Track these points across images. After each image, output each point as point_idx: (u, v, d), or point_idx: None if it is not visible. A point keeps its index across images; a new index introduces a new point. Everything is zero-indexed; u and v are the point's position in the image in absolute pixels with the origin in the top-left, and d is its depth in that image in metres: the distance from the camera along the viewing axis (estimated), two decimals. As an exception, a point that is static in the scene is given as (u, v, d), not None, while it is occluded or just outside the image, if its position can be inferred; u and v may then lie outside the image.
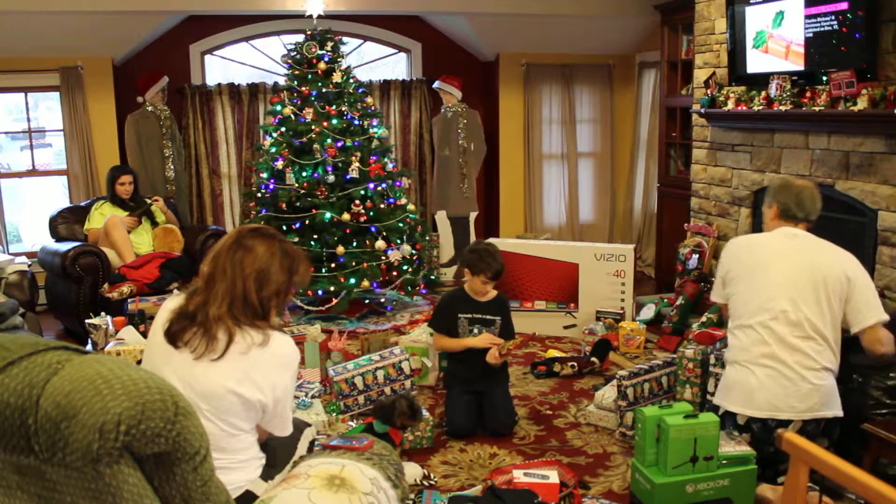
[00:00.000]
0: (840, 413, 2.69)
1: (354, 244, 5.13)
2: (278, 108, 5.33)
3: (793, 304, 2.65)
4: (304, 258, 2.15)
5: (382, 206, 5.26)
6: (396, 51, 6.98)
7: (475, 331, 3.51)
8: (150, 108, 6.01)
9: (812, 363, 2.63)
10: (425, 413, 3.37)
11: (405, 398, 3.05)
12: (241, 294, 1.99)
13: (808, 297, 2.66)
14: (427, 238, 5.76)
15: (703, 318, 4.44)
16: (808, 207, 2.85)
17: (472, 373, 3.48)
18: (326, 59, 5.25)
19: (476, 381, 3.48)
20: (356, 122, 5.29)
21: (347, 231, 5.11)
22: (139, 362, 2.15)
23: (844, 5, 3.84)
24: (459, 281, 6.41)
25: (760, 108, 4.47)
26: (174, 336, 1.98)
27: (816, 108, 4.03)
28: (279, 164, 5.15)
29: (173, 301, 2.07)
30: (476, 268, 3.44)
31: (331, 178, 5.08)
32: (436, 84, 6.51)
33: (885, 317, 2.66)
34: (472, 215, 6.64)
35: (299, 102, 5.24)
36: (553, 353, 4.37)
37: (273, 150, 5.24)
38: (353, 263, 5.06)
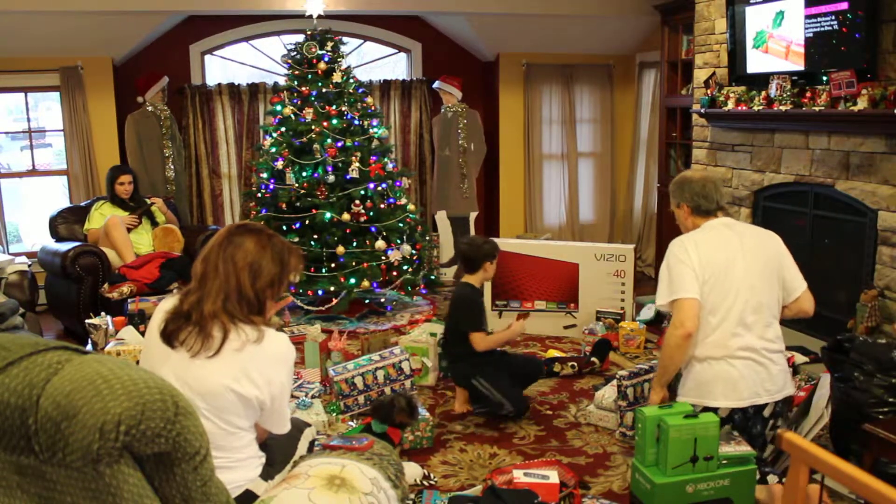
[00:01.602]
0: (794, 390, 2.84)
1: (354, 244, 5.13)
2: (278, 108, 5.33)
3: (753, 291, 2.70)
4: (294, 249, 2.18)
5: (382, 206, 5.26)
6: (396, 51, 6.98)
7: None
8: (150, 108, 6.01)
9: (775, 346, 2.74)
10: (425, 413, 3.38)
11: (403, 396, 3.05)
12: (236, 288, 2.00)
13: (761, 282, 2.73)
14: (427, 238, 5.76)
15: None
16: (716, 196, 2.85)
17: (493, 356, 3.64)
18: (326, 59, 5.25)
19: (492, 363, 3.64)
20: (356, 122, 5.28)
21: (347, 231, 5.11)
22: (139, 362, 2.15)
23: (844, 5, 3.84)
24: (460, 281, 6.43)
25: (760, 108, 4.47)
26: (170, 336, 1.99)
27: (816, 108, 4.03)
28: (279, 164, 5.15)
29: (168, 302, 2.08)
30: (495, 253, 3.64)
31: (331, 178, 5.08)
32: (436, 84, 6.51)
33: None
34: (472, 215, 6.63)
35: (299, 102, 5.24)
36: (553, 353, 4.37)
37: (273, 150, 5.24)
38: (353, 263, 5.06)
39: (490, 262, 3.62)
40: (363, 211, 5.14)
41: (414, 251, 5.35)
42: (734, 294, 2.69)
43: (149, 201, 5.43)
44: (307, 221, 5.08)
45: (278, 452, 2.22)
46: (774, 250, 2.82)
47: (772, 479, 2.65)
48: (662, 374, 2.82)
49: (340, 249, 5.01)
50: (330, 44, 5.33)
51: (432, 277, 5.64)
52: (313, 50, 5.24)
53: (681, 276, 2.70)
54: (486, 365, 3.54)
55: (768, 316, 2.73)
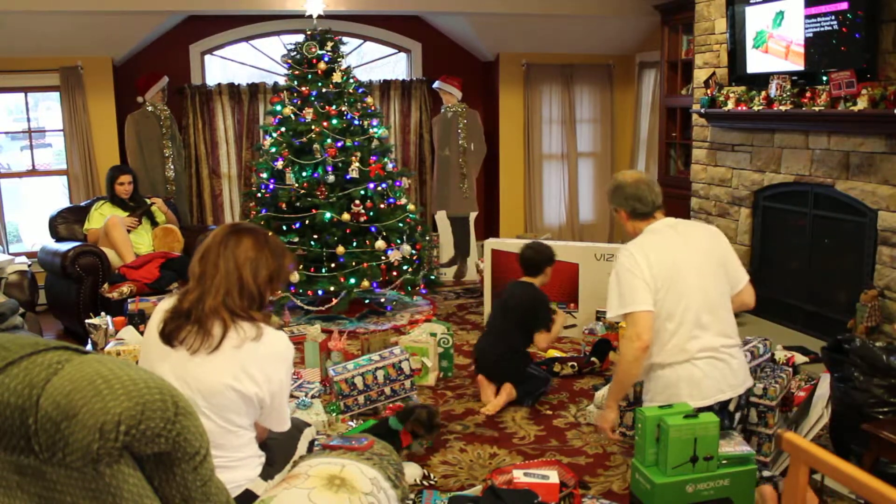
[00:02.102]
0: (752, 381, 2.84)
1: (354, 244, 5.13)
2: (278, 108, 5.32)
3: (706, 292, 2.69)
4: (287, 250, 2.24)
5: (382, 206, 5.26)
6: (396, 51, 6.98)
7: None
8: (150, 108, 6.01)
9: (732, 341, 2.73)
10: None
11: (429, 410, 3.11)
12: (238, 282, 2.03)
13: (712, 280, 2.72)
14: (427, 238, 5.75)
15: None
16: (651, 198, 2.79)
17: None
18: (326, 59, 5.25)
19: None
20: (356, 122, 5.28)
21: (347, 231, 5.10)
22: (138, 362, 2.15)
23: (844, 5, 3.84)
24: (460, 281, 6.44)
25: (760, 108, 4.47)
26: (169, 336, 1.99)
27: (816, 108, 4.03)
28: (279, 164, 5.14)
29: (167, 302, 2.09)
30: (554, 259, 3.98)
31: (331, 178, 5.07)
32: (436, 84, 6.50)
33: None
34: (472, 215, 6.64)
35: (299, 102, 5.23)
36: (553, 353, 4.37)
37: (273, 150, 5.23)
38: (353, 263, 5.06)
39: (550, 267, 3.93)
40: (363, 211, 5.14)
41: (414, 251, 5.35)
42: (687, 297, 2.66)
43: (148, 201, 5.43)
44: (307, 221, 5.08)
45: (278, 452, 2.22)
46: (719, 246, 2.80)
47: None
48: (619, 390, 2.76)
49: (340, 249, 5.01)
50: (330, 44, 5.32)
51: (432, 277, 5.64)
52: (313, 50, 5.23)
53: (632, 287, 2.66)
54: (528, 356, 3.92)
55: (722, 312, 2.72)
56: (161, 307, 2.09)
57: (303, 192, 5.10)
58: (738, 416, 2.79)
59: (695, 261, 2.71)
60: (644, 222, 2.81)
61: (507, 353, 3.76)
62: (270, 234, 2.19)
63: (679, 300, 2.65)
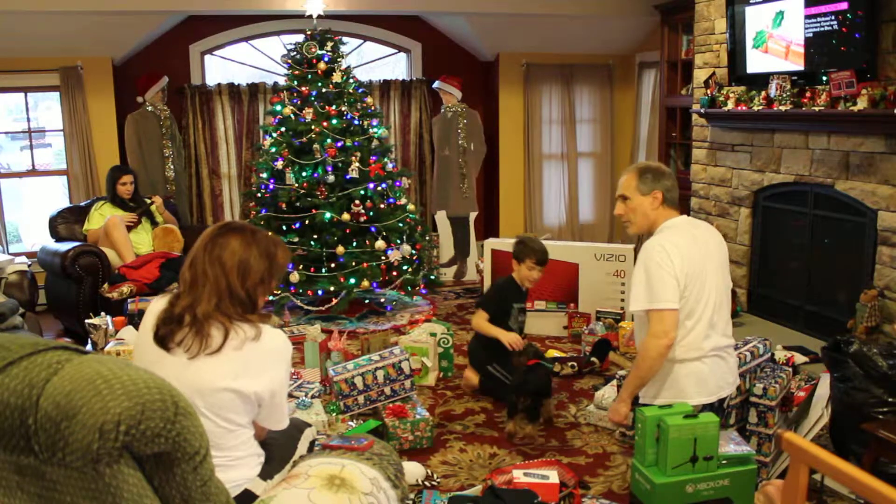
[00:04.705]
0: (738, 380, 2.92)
1: (354, 244, 5.13)
2: (278, 108, 5.32)
3: (718, 292, 2.74)
4: (280, 242, 2.18)
5: (382, 206, 5.26)
6: (396, 51, 6.98)
7: (520, 318, 3.91)
8: (150, 108, 6.01)
9: (731, 340, 2.81)
10: (425, 413, 3.38)
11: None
12: (227, 289, 2.00)
13: (721, 280, 2.78)
14: (427, 238, 5.75)
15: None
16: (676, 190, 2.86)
17: (502, 353, 3.75)
18: (326, 59, 5.25)
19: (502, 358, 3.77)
20: (356, 122, 5.28)
21: (347, 231, 5.11)
22: (139, 362, 2.14)
23: (844, 5, 3.84)
24: (460, 281, 6.44)
25: (760, 108, 4.47)
26: (164, 340, 1.97)
27: (816, 108, 4.03)
28: (279, 164, 5.14)
29: (157, 304, 2.06)
30: (522, 255, 3.87)
31: (331, 178, 5.08)
32: (436, 84, 6.51)
33: None
34: (472, 215, 6.64)
35: (299, 102, 5.24)
36: (553, 353, 4.37)
37: (273, 150, 5.23)
38: (353, 263, 5.06)
39: (518, 262, 3.88)
40: (363, 211, 5.14)
41: (414, 251, 5.35)
42: (706, 298, 2.69)
43: (148, 200, 5.44)
44: (307, 221, 5.08)
45: (278, 452, 2.22)
46: (724, 247, 2.87)
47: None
48: (638, 385, 2.75)
49: (340, 249, 5.01)
50: (330, 44, 5.32)
51: (432, 277, 5.64)
52: (313, 50, 5.23)
53: (663, 283, 2.63)
54: (492, 351, 3.83)
55: (725, 312, 2.79)
56: (152, 309, 2.06)
57: (303, 192, 5.10)
58: (728, 413, 2.84)
59: (712, 262, 2.75)
60: (669, 212, 2.80)
61: (476, 336, 3.92)
62: (259, 231, 2.15)
63: (700, 299, 2.69)
